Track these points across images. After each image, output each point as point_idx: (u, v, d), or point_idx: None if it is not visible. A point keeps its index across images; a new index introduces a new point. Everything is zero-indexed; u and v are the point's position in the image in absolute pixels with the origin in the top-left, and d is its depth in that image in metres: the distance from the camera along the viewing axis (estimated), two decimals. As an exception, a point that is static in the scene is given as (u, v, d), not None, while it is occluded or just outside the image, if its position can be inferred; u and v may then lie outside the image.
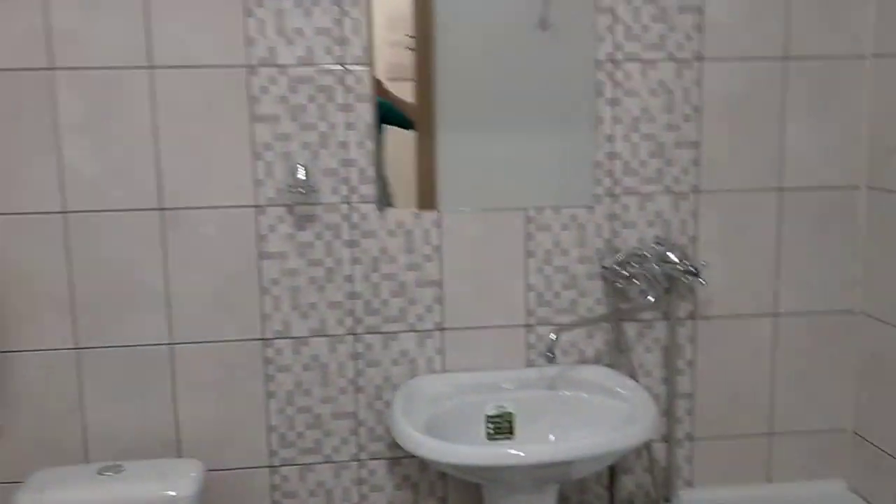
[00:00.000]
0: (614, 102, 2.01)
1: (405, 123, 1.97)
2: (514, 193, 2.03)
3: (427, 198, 2.00)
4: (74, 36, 1.84)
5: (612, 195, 2.05)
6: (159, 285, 1.94)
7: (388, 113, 1.96)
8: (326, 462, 2.05)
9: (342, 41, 1.92)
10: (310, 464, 2.04)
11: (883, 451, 2.06)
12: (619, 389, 1.95)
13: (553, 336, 1.91)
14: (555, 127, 2.01)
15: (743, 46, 2.02)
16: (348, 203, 1.97)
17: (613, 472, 2.13)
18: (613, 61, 2.00)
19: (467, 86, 1.98)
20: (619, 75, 2.01)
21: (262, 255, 1.96)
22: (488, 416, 1.94)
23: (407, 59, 1.94)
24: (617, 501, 2.15)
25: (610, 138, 2.03)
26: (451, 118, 1.98)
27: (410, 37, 1.93)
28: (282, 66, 1.91)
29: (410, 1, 1.92)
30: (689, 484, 2.17)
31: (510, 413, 1.95)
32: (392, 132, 1.97)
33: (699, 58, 2.02)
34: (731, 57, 2.03)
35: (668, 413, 2.11)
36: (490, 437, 1.94)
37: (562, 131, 2.02)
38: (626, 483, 2.15)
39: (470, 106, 1.99)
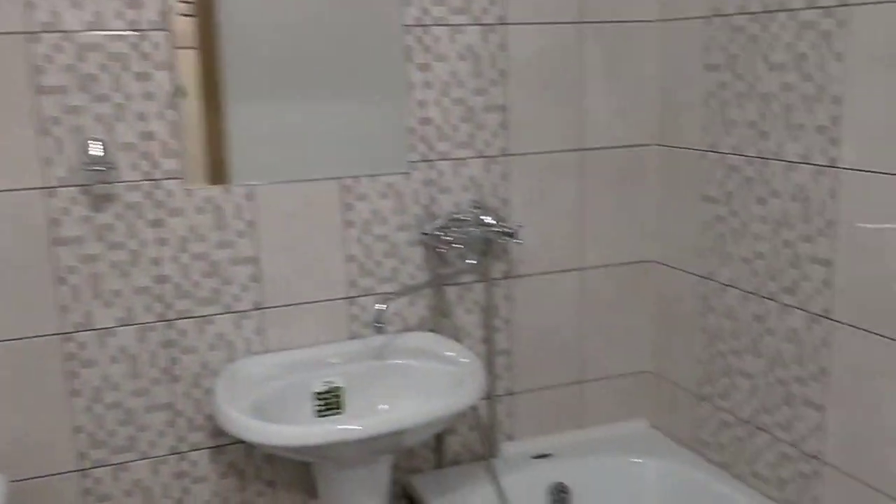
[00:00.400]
0: (424, 68, 2.00)
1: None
2: (329, 163, 1.97)
3: (232, 170, 1.90)
4: None
5: (428, 161, 2.04)
6: (-69, 283, 1.70)
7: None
8: (143, 458, 1.91)
9: (135, 4, 1.75)
10: (124, 462, 1.90)
11: (680, 386, 2.24)
12: (446, 353, 1.97)
13: (382, 307, 1.88)
14: (366, 93, 1.97)
15: (543, 11, 2.08)
16: (151, 179, 1.82)
17: (439, 434, 2.16)
18: (422, 25, 1.98)
19: (263, 52, 1.88)
20: (428, 40, 1.99)
21: (56, 242, 1.77)
22: (316, 393, 1.90)
23: (187, 25, 1.80)
24: (444, 462, 2.19)
25: (422, 104, 2.02)
26: (246, 87, 1.87)
27: (184, 2, 1.79)
28: (67, 33, 1.71)
29: None
30: (511, 438, 2.25)
31: (339, 388, 1.91)
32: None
33: (503, 22, 2.05)
34: (532, 21, 2.08)
35: (488, 371, 2.17)
36: (320, 413, 1.90)
37: (373, 98, 1.98)
38: (452, 443, 2.19)
39: (267, 73, 1.89)
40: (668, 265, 2.25)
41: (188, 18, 1.80)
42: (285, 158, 1.93)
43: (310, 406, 1.89)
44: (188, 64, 1.82)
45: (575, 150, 2.18)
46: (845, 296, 1.72)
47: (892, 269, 1.61)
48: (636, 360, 2.35)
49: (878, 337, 1.65)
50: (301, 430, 1.72)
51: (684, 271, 2.19)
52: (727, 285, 2.03)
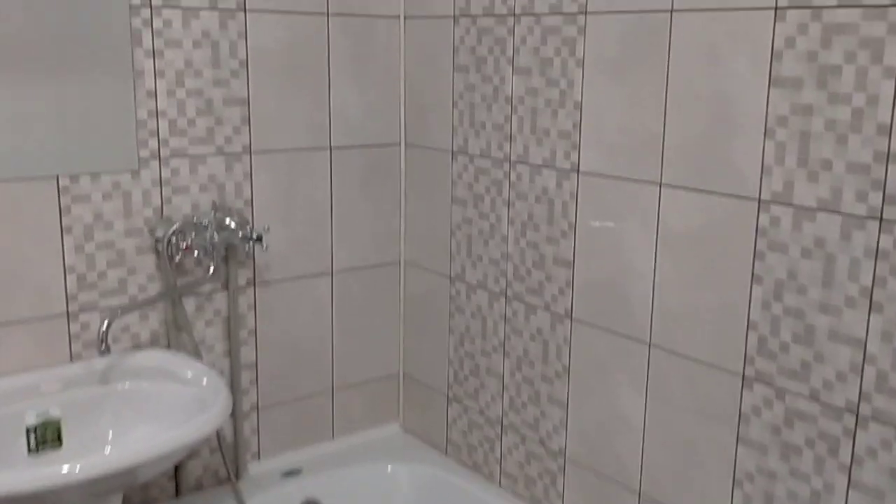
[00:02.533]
0: (154, 54, 1.79)
1: None
2: (43, 159, 1.70)
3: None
4: None
5: (160, 158, 1.84)
6: None
7: None
8: None
9: None
10: None
11: (430, 388, 2.22)
12: (182, 372, 1.78)
13: (105, 325, 1.66)
14: (87, 79, 1.72)
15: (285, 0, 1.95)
16: None
17: (179, 459, 1.97)
18: (151, 7, 1.77)
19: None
20: (159, 23, 1.78)
21: None
22: (29, 427, 1.63)
23: None
24: (184, 490, 2.00)
25: (152, 94, 1.80)
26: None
27: None
28: None
29: None
30: (257, 456, 2.11)
31: (56, 419, 1.66)
32: None
33: (242, 8, 1.89)
34: (275, 9, 1.94)
35: (233, 386, 2.01)
36: (32, 451, 1.64)
37: (96, 84, 1.73)
38: (193, 468, 2.00)
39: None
40: (418, 266, 2.22)
41: None
42: (-16, 153, 1.64)
43: (21, 442, 1.62)
44: None
45: (322, 148, 2.07)
46: (583, 295, 1.78)
47: (618, 268, 1.68)
48: (386, 364, 2.30)
49: (610, 333, 1.73)
50: (6, 477, 1.46)
51: (434, 272, 2.16)
52: (476, 286, 2.04)
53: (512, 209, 1.92)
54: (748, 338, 1.49)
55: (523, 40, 1.83)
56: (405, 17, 2.13)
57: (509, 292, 1.95)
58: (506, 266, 1.95)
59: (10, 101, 1.64)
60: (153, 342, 1.89)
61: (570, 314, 1.82)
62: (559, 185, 1.80)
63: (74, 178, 1.74)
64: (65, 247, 1.75)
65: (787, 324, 1.43)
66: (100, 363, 1.77)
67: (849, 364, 1.36)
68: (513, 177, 1.90)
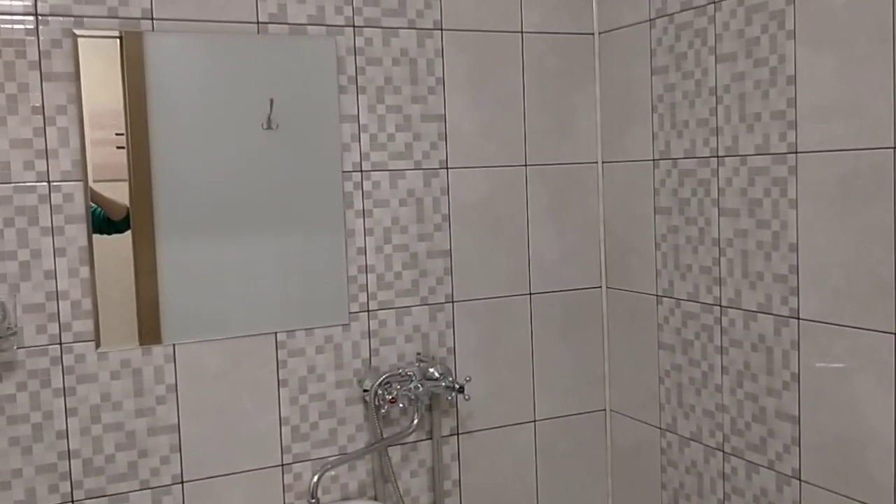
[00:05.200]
0: (364, 213, 1.89)
1: (119, 226, 1.68)
2: (262, 315, 1.81)
3: (153, 327, 1.72)
4: None
5: (368, 311, 1.91)
6: None
7: (100, 219, 1.66)
8: None
9: (47, 154, 1.61)
10: None
11: (643, 547, 2.08)
12: (390, 527, 1.78)
13: (316, 479, 1.70)
14: (303, 240, 1.84)
15: (486, 155, 2.01)
16: (59, 343, 1.64)
17: None
18: (362, 171, 1.88)
19: (195, 194, 1.74)
20: (368, 185, 1.89)
21: (-55, 419, 1.56)
22: (245, 580, 1.68)
23: (119, 157, 1.67)
24: None
25: (361, 251, 1.89)
26: (178, 228, 1.72)
27: (119, 135, 1.66)
28: (-34, 185, 1.56)
29: (121, 95, 1.65)
30: None
31: (270, 571, 1.70)
32: (105, 250, 1.67)
33: (445, 167, 1.97)
34: (475, 164, 2.00)
35: (437, 539, 1.98)
36: None
37: (311, 245, 1.85)
38: None
39: (199, 216, 1.74)
40: (624, 415, 2.12)
41: (122, 151, 1.66)
42: (217, 310, 1.77)
43: None
44: (122, 195, 1.67)
45: (522, 294, 2.07)
46: (812, 454, 1.61)
47: (851, 425, 1.51)
48: (595, 517, 2.19)
49: (846, 499, 1.54)
50: None
51: (642, 422, 2.06)
52: (689, 439, 1.91)
53: (725, 356, 1.80)
54: None
55: (728, 182, 1.76)
56: (603, 163, 2.12)
57: (727, 447, 1.81)
58: (721, 418, 1.82)
59: (235, 263, 1.78)
60: (361, 493, 1.91)
61: (797, 475, 1.65)
62: (777, 332, 1.67)
63: (291, 334, 1.84)
64: (280, 399, 1.83)
65: None
66: (310, 515, 1.81)
67: None
68: (724, 322, 1.80)
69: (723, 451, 1.83)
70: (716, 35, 1.77)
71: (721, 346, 1.81)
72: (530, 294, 2.07)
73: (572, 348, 2.13)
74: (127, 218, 1.67)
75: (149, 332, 1.71)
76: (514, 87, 2.03)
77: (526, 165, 2.05)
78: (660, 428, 2.00)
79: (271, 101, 1.78)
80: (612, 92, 2.08)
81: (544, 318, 2.09)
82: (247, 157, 1.77)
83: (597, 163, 2.13)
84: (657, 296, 1.98)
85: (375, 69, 1.88)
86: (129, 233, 1.68)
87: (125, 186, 1.68)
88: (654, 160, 1.96)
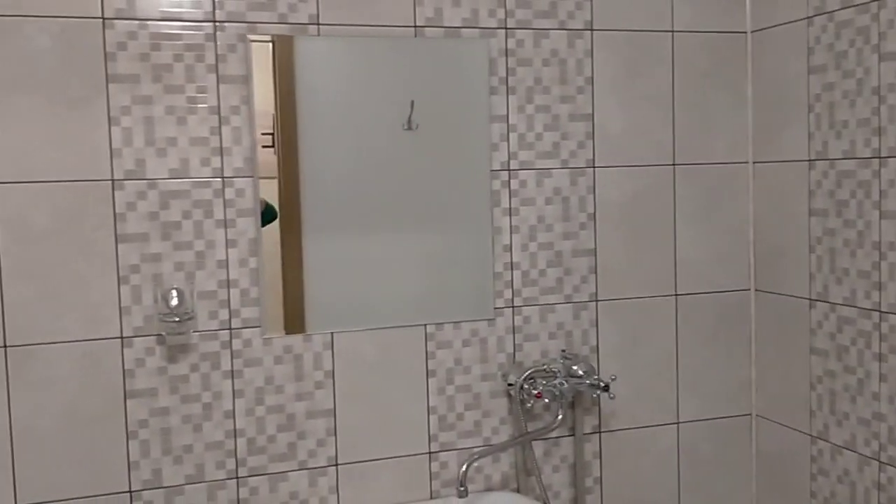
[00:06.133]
0: (511, 211, 1.93)
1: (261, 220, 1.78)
2: (410, 308, 1.88)
3: (298, 317, 1.81)
4: None
5: (513, 307, 1.94)
6: (1, 436, 1.62)
7: (268, 212, 1.77)
8: None
9: (221, 151, 1.73)
10: None
11: (788, 557, 2.03)
12: (533, 519, 1.81)
13: (464, 468, 1.75)
14: (449, 237, 1.89)
15: (633, 154, 2.01)
16: (229, 329, 1.75)
17: None
18: (509, 170, 1.92)
19: (342, 192, 1.81)
20: (515, 184, 1.93)
21: (129, 394, 1.70)
22: (394, 561, 1.75)
23: (267, 155, 1.76)
24: None
25: (507, 248, 1.93)
26: (324, 225, 1.80)
27: (265, 134, 1.76)
28: (151, 180, 1.69)
29: (272, 97, 1.75)
30: None
31: (418, 555, 1.76)
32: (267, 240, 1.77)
33: (592, 165, 1.98)
34: (622, 164, 2.00)
35: (577, 535, 2.00)
36: (397, 584, 1.74)
37: (457, 241, 1.90)
38: None
39: (346, 214, 1.82)
40: (772, 420, 2.07)
41: (268, 150, 1.77)
42: (365, 303, 1.85)
43: (386, 575, 1.74)
44: (271, 194, 1.78)
45: (668, 295, 2.06)
46: None
47: None
48: (737, 524, 2.15)
49: None
50: None
51: (791, 429, 2.01)
52: (842, 447, 1.85)
53: (884, 364, 1.74)
54: None
55: (891, 183, 1.70)
56: (754, 163, 2.09)
57: (883, 457, 1.75)
58: (878, 427, 1.76)
59: (384, 259, 1.85)
60: (504, 485, 1.95)
61: (964, 489, 1.58)
62: (943, 339, 1.61)
63: (439, 326, 1.90)
64: (429, 389, 1.89)
65: None
66: (457, 503, 1.86)
67: None
68: (884, 328, 1.73)
69: (878, 461, 1.76)
70: (879, 33, 1.71)
71: (879, 353, 1.75)
72: (676, 295, 2.06)
73: (718, 351, 2.10)
74: (265, 212, 1.76)
75: (294, 321, 1.80)
76: (664, 86, 2.02)
77: (674, 165, 2.04)
78: (810, 435, 1.95)
79: (412, 103, 1.84)
80: (764, 91, 2.04)
81: (690, 320, 2.07)
82: (390, 156, 1.84)
83: (747, 163, 2.09)
84: (810, 300, 1.93)
85: (526, 70, 1.92)
86: (273, 227, 1.77)
87: (274, 183, 1.78)
88: (809, 160, 1.91)
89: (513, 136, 1.92)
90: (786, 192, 1.99)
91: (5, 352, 1.62)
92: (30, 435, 1.64)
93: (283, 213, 1.78)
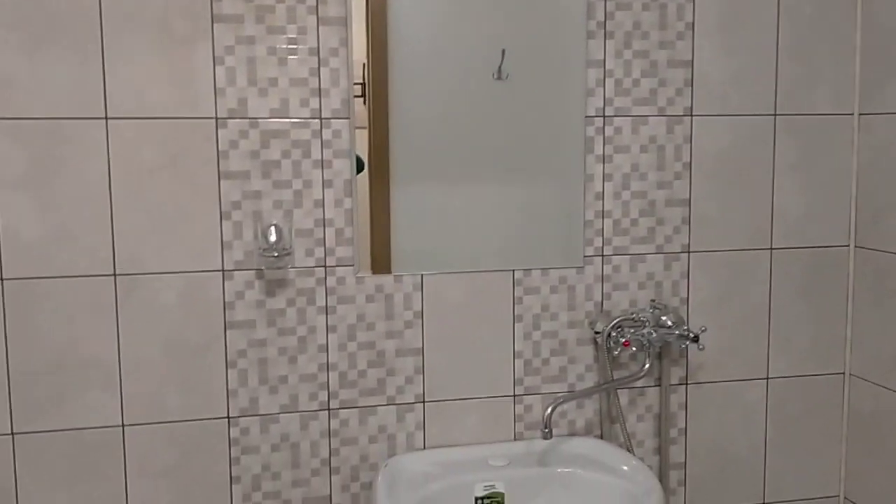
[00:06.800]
0: (604, 159, 1.91)
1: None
2: (499, 253, 1.89)
3: (398, 257, 1.85)
4: (14, 83, 1.63)
5: (602, 255, 1.94)
6: (110, 360, 1.72)
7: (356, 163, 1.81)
8: (297, 552, 1.85)
9: (320, 92, 1.76)
10: (278, 555, 1.84)
11: (877, 518, 1.99)
12: (617, 465, 1.82)
13: (550, 410, 1.77)
14: (540, 183, 1.89)
15: (732, 104, 1.96)
16: (324, 266, 1.81)
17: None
18: (604, 116, 1.90)
19: (434, 138, 1.82)
20: (609, 131, 1.91)
21: (229, 325, 1.77)
22: (477, 498, 1.79)
23: (359, 105, 1.79)
24: (607, 581, 2.02)
25: (599, 196, 1.92)
26: (414, 171, 1.82)
27: (356, 84, 1.78)
28: (253, 119, 1.74)
29: (365, 45, 1.77)
30: (680, 559, 2.06)
31: (500, 494, 1.80)
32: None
33: (689, 114, 1.95)
34: (720, 113, 1.96)
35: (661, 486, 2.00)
36: (479, 520, 1.79)
37: (547, 188, 1.90)
38: (616, 560, 2.02)
39: (437, 159, 1.83)
40: (866, 380, 2.03)
41: (359, 100, 1.79)
42: (453, 247, 1.87)
43: (470, 511, 1.78)
44: (361, 144, 1.81)
45: (762, 248, 2.02)
46: None
47: None
48: (825, 484, 2.11)
49: None
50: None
51: (887, 389, 1.96)
52: (941, 409, 1.80)
53: None
54: None
55: None
56: (859, 115, 2.01)
57: None
58: (982, 389, 1.70)
59: (473, 203, 1.86)
60: (587, 431, 1.97)
61: None
62: None
63: (527, 273, 1.91)
64: (515, 334, 1.91)
65: None
66: (539, 445, 1.89)
67: None
68: None
69: (981, 425, 1.71)
70: None
71: None
72: (771, 249, 2.02)
73: (812, 308, 2.05)
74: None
75: (381, 265, 1.83)
76: (767, 33, 1.96)
77: (775, 115, 1.98)
78: (907, 396, 1.90)
79: (503, 52, 1.83)
80: (874, 41, 1.96)
81: (785, 275, 2.03)
82: (479, 106, 1.84)
83: (852, 114, 2.02)
84: (914, 257, 1.87)
85: (624, 14, 1.89)
86: (361, 176, 1.80)
87: (363, 133, 1.80)
88: (920, 111, 1.84)
89: (609, 82, 1.90)
90: (892, 145, 1.91)
91: (115, 280, 1.71)
92: (136, 360, 1.73)
93: (371, 162, 1.81)
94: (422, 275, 1.85)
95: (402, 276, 1.84)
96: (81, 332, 1.70)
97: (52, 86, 1.64)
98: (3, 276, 1.66)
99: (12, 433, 1.69)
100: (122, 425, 1.74)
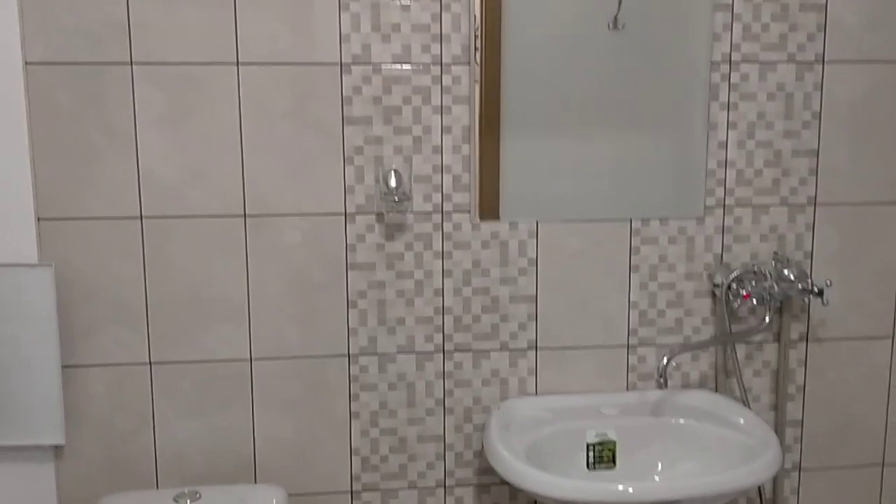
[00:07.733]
0: (729, 106, 1.86)
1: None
2: (616, 202, 1.88)
3: (504, 208, 1.85)
4: (153, 29, 1.70)
5: (724, 206, 1.90)
6: (239, 297, 1.81)
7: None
8: (411, 488, 1.91)
9: (441, 38, 1.77)
10: (394, 489, 1.91)
11: None
12: (732, 418, 1.80)
13: (665, 361, 1.76)
14: (660, 131, 1.86)
15: (867, 49, 1.87)
16: (441, 212, 1.83)
17: (713, 503, 1.99)
18: (731, 62, 1.84)
19: (549, 83, 1.80)
20: (735, 77, 1.85)
21: (350, 266, 1.82)
22: (589, 444, 1.80)
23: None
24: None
25: (723, 145, 1.88)
26: (529, 120, 1.81)
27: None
28: (376, 65, 1.77)
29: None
30: (794, 517, 2.03)
31: (612, 441, 1.80)
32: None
33: (821, 60, 1.87)
34: (854, 60, 1.87)
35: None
36: (590, 466, 1.80)
37: (668, 136, 1.86)
38: (726, 514, 2.01)
39: (553, 104, 1.82)
40: None
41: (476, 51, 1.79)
42: (564, 196, 1.86)
43: (580, 456, 1.80)
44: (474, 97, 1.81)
45: (894, 203, 1.93)
46: None
47: None
48: (952, 448, 2.03)
49: None
50: (576, 485, 1.63)
51: None
52: None
53: None
54: None
55: None
56: None
57: None
58: None
59: (590, 152, 1.84)
60: (702, 384, 1.95)
61: None
62: None
63: (645, 222, 1.89)
64: (631, 284, 1.90)
65: None
66: (653, 395, 1.88)
67: None
68: None
69: None
70: None
71: None
72: (904, 202, 1.93)
73: (947, 265, 1.96)
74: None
75: (491, 212, 1.85)
76: (911, -27, 1.85)
77: (915, 61, 1.88)
78: None
79: (619, 1, 1.79)
80: None
81: (918, 230, 1.95)
82: (594, 56, 1.81)
83: None
84: None
85: (756, -44, 1.82)
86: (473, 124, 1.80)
87: (475, 85, 1.79)
88: None
89: (737, 27, 1.83)
90: None
91: (245, 220, 1.78)
92: (263, 297, 1.81)
93: (483, 112, 1.80)
94: (536, 222, 1.86)
95: (517, 223, 1.85)
96: (213, 269, 1.79)
97: (186, 31, 1.71)
98: (144, 215, 1.76)
99: (150, 363, 1.80)
100: (251, 359, 1.83)
